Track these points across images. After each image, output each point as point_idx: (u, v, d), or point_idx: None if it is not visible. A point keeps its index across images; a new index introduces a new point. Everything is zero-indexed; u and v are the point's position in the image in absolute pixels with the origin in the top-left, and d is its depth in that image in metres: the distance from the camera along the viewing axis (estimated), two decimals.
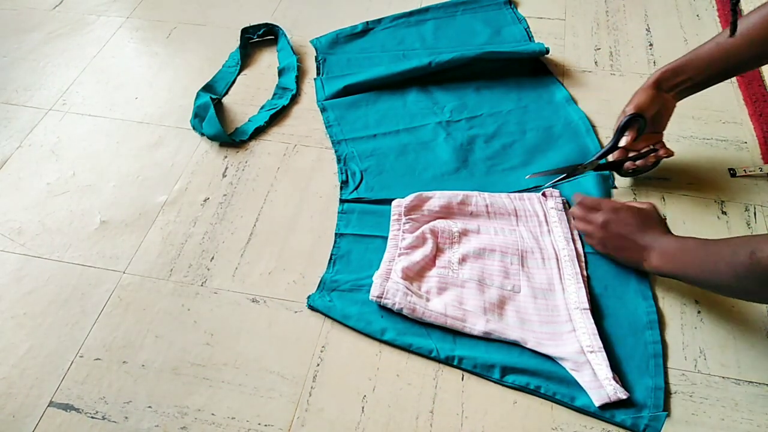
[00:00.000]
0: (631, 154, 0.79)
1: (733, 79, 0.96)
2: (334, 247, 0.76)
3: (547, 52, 0.98)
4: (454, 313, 0.67)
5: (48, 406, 0.64)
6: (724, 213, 0.78)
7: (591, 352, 0.63)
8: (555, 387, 0.63)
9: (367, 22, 1.09)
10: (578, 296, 0.68)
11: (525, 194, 0.80)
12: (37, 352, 0.69)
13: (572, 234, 0.75)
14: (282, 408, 0.63)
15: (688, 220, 0.78)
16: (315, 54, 1.05)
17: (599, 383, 0.61)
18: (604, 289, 0.71)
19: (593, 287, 0.71)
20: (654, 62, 1.00)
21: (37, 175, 0.88)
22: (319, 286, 0.73)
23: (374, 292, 0.69)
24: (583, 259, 0.73)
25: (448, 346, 0.66)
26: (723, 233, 0.76)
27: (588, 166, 0.78)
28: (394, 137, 0.90)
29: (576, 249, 0.74)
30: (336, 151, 0.88)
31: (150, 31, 1.13)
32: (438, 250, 0.74)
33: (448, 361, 0.65)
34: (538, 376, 0.64)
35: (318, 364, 0.66)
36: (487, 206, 0.78)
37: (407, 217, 0.76)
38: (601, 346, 0.64)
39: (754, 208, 0.78)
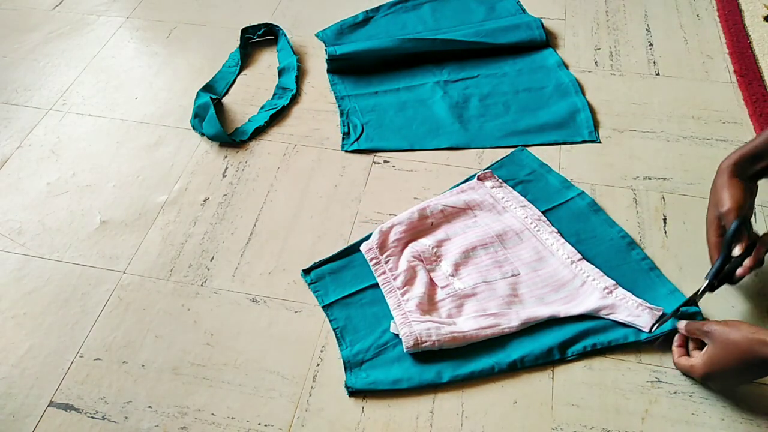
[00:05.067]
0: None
1: (734, 79, 0.96)
2: (331, 321, 0.70)
3: (547, 41, 1.03)
4: (486, 322, 0.66)
5: (48, 406, 0.64)
6: None
7: (609, 292, 0.67)
8: (606, 336, 0.66)
9: (367, 10, 1.13)
10: (565, 251, 0.72)
11: (466, 186, 0.81)
12: (37, 352, 0.69)
13: (525, 199, 0.78)
14: (282, 408, 0.63)
15: (688, 220, 0.77)
16: (324, 47, 1.04)
17: (635, 312, 0.65)
18: (576, 234, 0.75)
19: (567, 239, 0.74)
20: (654, 62, 1.00)
21: (37, 175, 0.88)
22: (345, 367, 0.66)
23: (408, 344, 0.64)
24: (546, 219, 0.76)
25: (503, 354, 0.65)
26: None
27: (705, 291, 0.66)
28: (394, 94, 0.96)
29: (535, 211, 0.77)
30: (339, 106, 0.94)
31: (150, 31, 1.13)
32: (430, 272, 0.72)
33: (510, 368, 0.64)
34: (588, 336, 0.66)
35: (318, 364, 0.66)
36: (442, 211, 0.78)
37: (385, 256, 0.73)
38: (615, 282, 0.67)
39: (755, 208, 0.78)
